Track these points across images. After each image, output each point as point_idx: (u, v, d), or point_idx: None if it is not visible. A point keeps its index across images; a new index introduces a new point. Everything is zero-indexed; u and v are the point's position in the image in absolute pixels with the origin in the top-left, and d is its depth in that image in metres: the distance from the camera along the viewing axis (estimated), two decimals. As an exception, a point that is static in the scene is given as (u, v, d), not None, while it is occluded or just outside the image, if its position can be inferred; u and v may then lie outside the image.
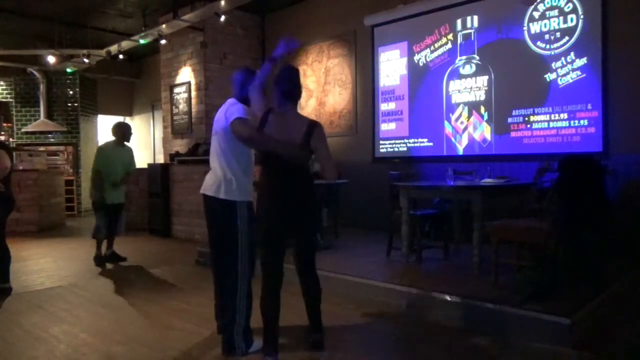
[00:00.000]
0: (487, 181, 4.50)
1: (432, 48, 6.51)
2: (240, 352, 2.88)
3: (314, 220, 2.95)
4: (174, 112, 8.89)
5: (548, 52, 5.49)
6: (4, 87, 10.85)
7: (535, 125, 5.59)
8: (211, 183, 2.94)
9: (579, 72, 5.27)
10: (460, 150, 6.24)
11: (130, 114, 12.95)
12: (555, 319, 2.96)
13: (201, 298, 3.98)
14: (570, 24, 5.33)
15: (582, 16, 5.24)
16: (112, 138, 5.71)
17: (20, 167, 8.83)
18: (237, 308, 2.89)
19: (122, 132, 5.69)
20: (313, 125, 2.71)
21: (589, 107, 5.21)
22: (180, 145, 8.62)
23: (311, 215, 2.85)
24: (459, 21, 6.24)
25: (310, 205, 2.83)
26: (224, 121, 2.86)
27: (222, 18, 7.22)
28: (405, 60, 6.82)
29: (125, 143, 5.75)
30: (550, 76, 5.47)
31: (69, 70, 10.40)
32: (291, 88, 2.77)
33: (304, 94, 8.17)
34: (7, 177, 4.34)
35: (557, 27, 5.42)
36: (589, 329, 3.11)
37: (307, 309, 2.98)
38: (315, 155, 2.74)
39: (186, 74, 8.60)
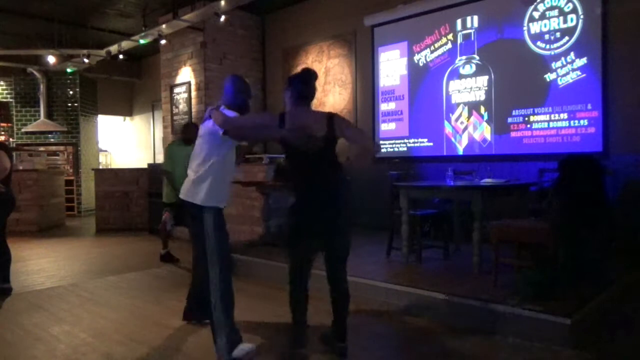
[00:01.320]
0: (487, 181, 4.50)
1: (432, 48, 6.51)
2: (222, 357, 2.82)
3: (344, 221, 2.81)
4: (174, 112, 8.89)
5: (548, 52, 5.49)
6: (4, 87, 10.85)
7: (535, 125, 5.59)
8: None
9: (579, 72, 5.27)
10: (460, 150, 6.24)
11: (130, 114, 12.96)
12: (555, 319, 2.96)
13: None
14: (570, 24, 5.33)
15: (582, 16, 5.24)
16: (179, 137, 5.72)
17: (20, 167, 8.83)
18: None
19: (191, 132, 5.68)
20: (331, 116, 2.77)
21: (589, 107, 5.21)
22: (180, 146, 8.62)
23: (340, 215, 2.77)
24: (459, 21, 6.24)
25: (339, 204, 2.75)
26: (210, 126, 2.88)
27: (222, 18, 7.22)
28: (405, 60, 6.82)
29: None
30: (550, 76, 5.47)
31: (69, 70, 10.40)
32: (304, 89, 2.82)
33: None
34: (7, 178, 4.34)
35: (557, 27, 5.42)
36: (589, 329, 3.11)
37: (334, 316, 2.90)
38: (350, 142, 2.76)
39: (186, 74, 8.60)
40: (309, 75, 2.85)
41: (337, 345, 2.88)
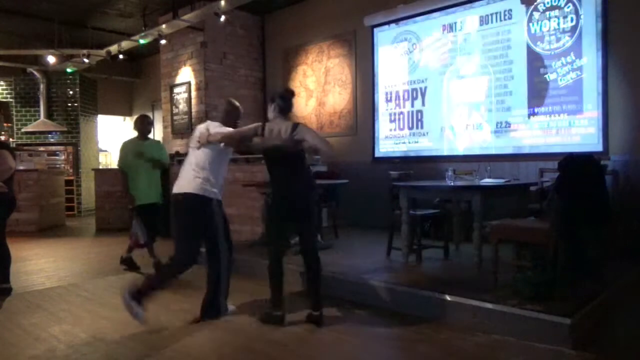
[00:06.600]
0: (487, 181, 4.50)
1: (432, 48, 6.51)
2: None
3: (307, 206, 3.41)
4: (174, 112, 8.89)
5: (548, 52, 5.49)
6: (4, 87, 10.85)
7: (535, 125, 5.59)
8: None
9: (579, 72, 5.27)
10: (460, 150, 6.24)
11: (130, 114, 12.95)
12: (555, 319, 2.96)
13: (201, 298, 3.97)
14: (570, 24, 5.33)
15: (582, 16, 5.24)
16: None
17: (21, 167, 8.82)
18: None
19: (138, 126, 5.20)
20: (296, 124, 3.36)
21: (589, 107, 5.21)
22: (180, 145, 8.61)
23: (302, 202, 3.38)
24: (459, 21, 6.24)
25: (301, 194, 3.37)
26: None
27: (222, 18, 7.22)
28: (405, 60, 6.82)
29: (150, 136, 5.36)
30: (550, 76, 5.47)
31: (69, 70, 10.40)
32: (285, 106, 3.47)
33: (304, 94, 8.20)
34: (10, 178, 4.34)
35: (557, 27, 5.43)
36: (589, 329, 3.11)
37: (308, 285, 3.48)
38: (305, 145, 3.26)
39: (186, 74, 8.60)
40: (290, 94, 3.53)
41: (312, 315, 3.37)
